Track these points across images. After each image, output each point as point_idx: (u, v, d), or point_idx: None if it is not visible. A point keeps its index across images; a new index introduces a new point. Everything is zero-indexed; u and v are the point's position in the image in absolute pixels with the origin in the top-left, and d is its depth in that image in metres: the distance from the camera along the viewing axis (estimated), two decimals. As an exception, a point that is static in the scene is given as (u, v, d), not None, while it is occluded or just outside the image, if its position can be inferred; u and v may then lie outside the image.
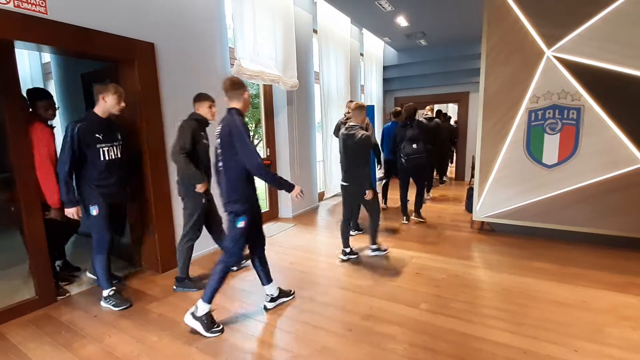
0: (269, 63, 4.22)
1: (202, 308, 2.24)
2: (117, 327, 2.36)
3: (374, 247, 3.53)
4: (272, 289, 2.59)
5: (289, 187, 2.33)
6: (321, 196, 6.17)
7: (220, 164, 2.27)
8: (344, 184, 3.38)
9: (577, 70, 3.46)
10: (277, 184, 2.31)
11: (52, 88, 4.62)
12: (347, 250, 3.48)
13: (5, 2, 2.15)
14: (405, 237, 4.10)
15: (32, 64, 4.72)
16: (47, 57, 4.48)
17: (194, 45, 3.43)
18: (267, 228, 4.63)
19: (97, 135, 2.51)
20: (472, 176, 5.57)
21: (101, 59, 2.85)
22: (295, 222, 4.90)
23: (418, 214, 4.74)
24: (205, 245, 3.68)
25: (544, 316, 2.34)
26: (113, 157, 2.61)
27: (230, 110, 2.26)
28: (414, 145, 4.45)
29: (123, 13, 2.80)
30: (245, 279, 3.10)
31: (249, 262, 2.67)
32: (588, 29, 3.35)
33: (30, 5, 2.26)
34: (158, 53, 3.08)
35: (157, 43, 3.06)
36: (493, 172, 4.01)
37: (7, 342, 2.22)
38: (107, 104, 2.53)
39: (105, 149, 2.56)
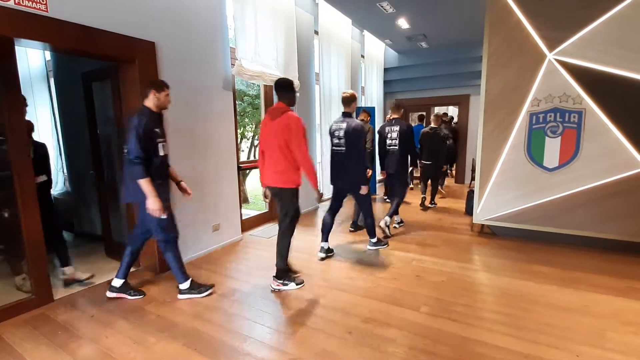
0: (270, 64, 4.22)
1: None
2: (115, 328, 2.34)
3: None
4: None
5: None
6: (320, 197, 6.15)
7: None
8: (427, 162, 5.51)
9: (579, 74, 3.46)
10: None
11: (52, 86, 4.62)
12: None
13: (6, -1, 2.14)
14: (405, 240, 4.08)
15: (36, 61, 4.71)
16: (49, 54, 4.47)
17: (195, 45, 3.42)
18: (267, 229, 4.62)
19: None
20: (473, 179, 5.57)
21: (102, 57, 2.83)
22: (295, 224, 4.87)
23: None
24: (205, 245, 3.67)
25: (545, 320, 2.33)
26: None
27: None
28: (448, 142, 6.31)
29: (124, 12, 2.79)
30: (243, 280, 3.08)
31: None
32: (590, 33, 3.35)
33: (30, 2, 2.24)
34: (159, 52, 3.06)
35: (158, 42, 3.05)
36: (494, 175, 4.00)
37: (2, 342, 2.19)
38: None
39: None
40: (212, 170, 3.70)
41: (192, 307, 2.60)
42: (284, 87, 2.79)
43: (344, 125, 3.35)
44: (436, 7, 5.24)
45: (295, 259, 3.55)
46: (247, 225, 4.60)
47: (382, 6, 5.20)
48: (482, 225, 4.28)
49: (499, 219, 4.05)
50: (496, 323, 2.31)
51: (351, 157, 3.35)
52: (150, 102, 2.56)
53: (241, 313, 2.53)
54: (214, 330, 2.29)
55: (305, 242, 4.10)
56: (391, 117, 4.41)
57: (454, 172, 8.57)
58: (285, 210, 2.86)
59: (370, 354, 2.01)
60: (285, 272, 2.90)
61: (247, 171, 8.40)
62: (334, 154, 3.49)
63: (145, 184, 2.43)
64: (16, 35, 2.23)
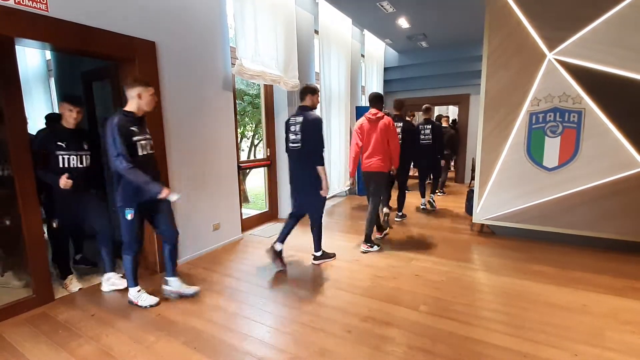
0: (270, 63, 4.22)
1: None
2: (115, 327, 2.35)
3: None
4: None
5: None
6: (321, 197, 6.15)
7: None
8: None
9: (579, 74, 3.46)
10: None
11: (52, 85, 4.63)
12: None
13: (6, -2, 2.14)
14: (405, 239, 4.08)
15: (36, 60, 4.72)
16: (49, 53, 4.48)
17: (195, 45, 3.42)
18: (267, 229, 4.63)
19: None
20: (472, 178, 5.57)
21: (102, 57, 2.84)
22: (295, 223, 4.88)
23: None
24: (205, 244, 3.68)
25: (544, 319, 2.33)
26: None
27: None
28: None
29: (124, 11, 2.80)
30: (243, 279, 3.08)
31: None
32: (590, 32, 3.35)
33: (31, 2, 2.25)
34: (159, 52, 3.07)
35: (158, 42, 3.05)
36: (493, 174, 4.00)
37: (3, 341, 2.20)
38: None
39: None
40: (212, 169, 3.71)
41: (192, 306, 2.61)
42: (377, 99, 3.77)
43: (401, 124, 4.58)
44: (436, 6, 5.24)
45: (294, 257, 3.57)
46: (247, 224, 4.60)
47: (382, 6, 5.20)
48: (482, 224, 4.29)
49: (499, 219, 4.06)
50: (495, 322, 2.32)
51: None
52: (308, 102, 3.15)
53: (241, 312, 2.54)
54: (213, 329, 2.30)
55: (304, 241, 4.10)
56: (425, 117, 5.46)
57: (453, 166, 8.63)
58: (378, 189, 3.71)
59: (370, 353, 2.02)
60: (370, 238, 3.74)
61: (247, 170, 8.39)
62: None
63: (323, 170, 3.07)
64: (16, 35, 2.23)
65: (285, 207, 5.16)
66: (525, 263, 3.31)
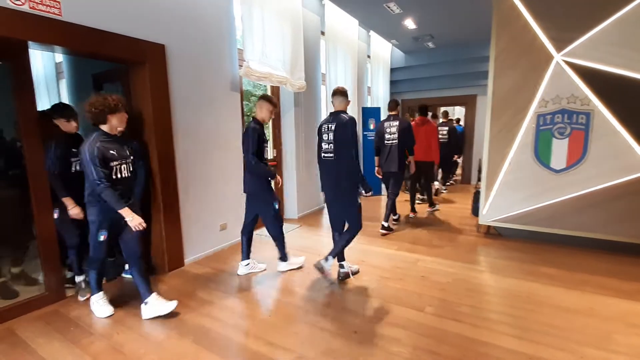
0: (277, 65, 4.25)
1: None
2: (125, 325, 2.39)
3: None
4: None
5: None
6: (327, 197, 6.17)
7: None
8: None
9: (587, 75, 3.43)
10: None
11: (64, 88, 4.71)
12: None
13: (21, 3, 2.20)
14: (411, 240, 4.09)
15: (46, 64, 4.80)
16: (60, 56, 4.55)
17: (204, 47, 3.46)
18: (273, 229, 4.65)
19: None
20: (479, 179, 5.55)
21: (113, 59, 2.89)
22: (301, 223, 4.91)
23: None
24: (213, 244, 3.72)
25: (551, 322, 2.33)
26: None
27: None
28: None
29: (135, 15, 2.85)
30: (250, 278, 3.12)
31: None
32: (598, 33, 3.33)
33: (45, 6, 2.30)
34: (168, 54, 3.11)
35: (167, 44, 3.10)
36: (500, 176, 3.99)
37: (16, 337, 2.26)
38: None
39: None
40: (220, 170, 3.75)
41: (201, 305, 2.65)
42: (424, 109, 5.14)
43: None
44: (443, 7, 5.23)
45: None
46: (254, 224, 4.63)
47: (388, 7, 5.20)
48: (488, 226, 4.27)
49: (506, 220, 4.04)
50: (501, 324, 2.32)
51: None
52: (397, 111, 4.33)
53: (248, 311, 2.57)
54: (221, 328, 2.34)
55: (312, 241, 4.13)
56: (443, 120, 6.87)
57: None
58: (428, 173, 5.21)
59: (375, 353, 2.04)
60: (433, 202, 5.35)
61: (254, 171, 8.42)
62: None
63: (412, 158, 4.45)
64: (30, 39, 2.28)
65: (291, 207, 5.19)
66: (532, 265, 3.30)
